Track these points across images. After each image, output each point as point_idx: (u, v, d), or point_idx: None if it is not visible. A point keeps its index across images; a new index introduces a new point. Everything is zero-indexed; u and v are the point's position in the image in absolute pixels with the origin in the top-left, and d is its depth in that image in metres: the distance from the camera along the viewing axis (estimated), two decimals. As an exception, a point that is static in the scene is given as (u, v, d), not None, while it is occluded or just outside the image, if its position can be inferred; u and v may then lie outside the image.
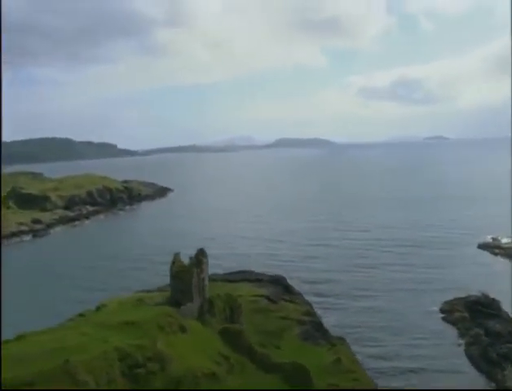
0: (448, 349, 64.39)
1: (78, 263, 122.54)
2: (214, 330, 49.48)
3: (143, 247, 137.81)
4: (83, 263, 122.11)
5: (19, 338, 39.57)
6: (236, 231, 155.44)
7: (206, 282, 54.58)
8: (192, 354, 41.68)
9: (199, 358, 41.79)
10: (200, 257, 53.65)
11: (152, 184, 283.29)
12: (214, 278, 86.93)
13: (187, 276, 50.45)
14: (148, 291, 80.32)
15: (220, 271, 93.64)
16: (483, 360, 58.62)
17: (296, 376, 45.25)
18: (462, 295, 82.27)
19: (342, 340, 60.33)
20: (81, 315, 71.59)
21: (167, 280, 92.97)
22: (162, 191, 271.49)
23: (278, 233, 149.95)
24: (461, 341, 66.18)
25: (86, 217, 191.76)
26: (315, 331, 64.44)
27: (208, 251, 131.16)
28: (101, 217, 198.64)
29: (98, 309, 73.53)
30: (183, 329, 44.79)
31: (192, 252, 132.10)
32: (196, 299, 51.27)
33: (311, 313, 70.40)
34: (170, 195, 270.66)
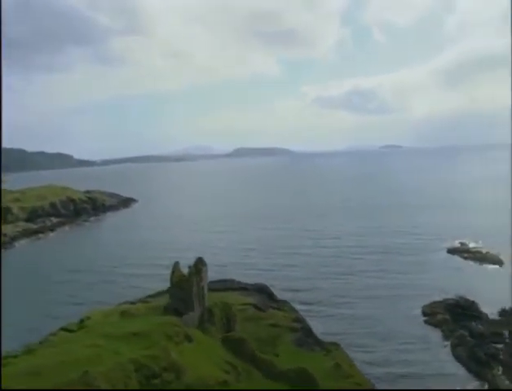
0: (435, 351, 65.98)
1: (46, 277, 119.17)
2: (216, 338, 49.42)
3: (110, 259, 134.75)
4: (51, 277, 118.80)
5: (28, 352, 38.49)
6: (205, 240, 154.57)
7: (205, 291, 54.46)
8: (201, 363, 41.55)
9: (208, 367, 41.73)
10: (200, 265, 53.52)
11: (115, 194, 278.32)
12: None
13: (187, 285, 50.21)
14: (131, 303, 79.20)
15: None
16: (472, 360, 60.56)
17: (302, 382, 45.72)
18: (439, 298, 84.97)
19: (336, 345, 61.11)
20: (63, 329, 70.01)
21: (142, 292, 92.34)
22: (126, 202, 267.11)
23: (249, 241, 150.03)
24: (447, 343, 67.96)
25: (51, 229, 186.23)
26: (307, 337, 65.13)
27: (181, 261, 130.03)
28: (66, 228, 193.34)
29: (81, 321, 72.09)
30: (189, 338, 44.60)
31: (164, 262, 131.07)
32: (196, 308, 51.07)
33: (300, 319, 71.10)
34: (135, 205, 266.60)
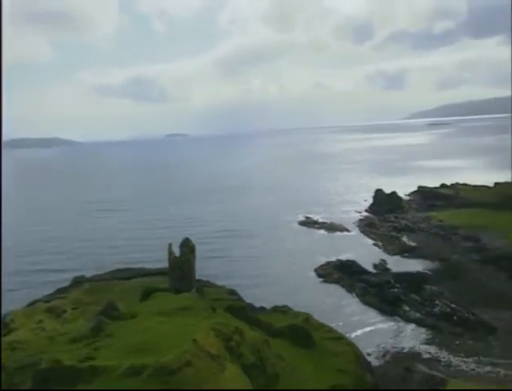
0: (348, 305, 77.82)
1: None
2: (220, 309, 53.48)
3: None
4: None
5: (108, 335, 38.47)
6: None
7: (195, 269, 57.51)
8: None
9: (247, 331, 46.44)
10: (191, 244, 56.34)
11: None
12: (103, 278, 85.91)
13: (186, 265, 53.03)
14: (45, 301, 75.15)
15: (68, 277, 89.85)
16: (383, 303, 75.04)
17: (298, 336, 53.00)
18: (322, 262, 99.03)
19: (286, 307, 68.92)
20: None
21: (38, 291, 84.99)
22: None
23: (110, 236, 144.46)
24: (354, 295, 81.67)
25: None
26: (250, 306, 71.85)
27: (41, 257, 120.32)
28: None
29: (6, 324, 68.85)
30: (214, 310, 48.33)
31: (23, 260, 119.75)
32: (194, 286, 54.22)
33: (233, 292, 76.80)
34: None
